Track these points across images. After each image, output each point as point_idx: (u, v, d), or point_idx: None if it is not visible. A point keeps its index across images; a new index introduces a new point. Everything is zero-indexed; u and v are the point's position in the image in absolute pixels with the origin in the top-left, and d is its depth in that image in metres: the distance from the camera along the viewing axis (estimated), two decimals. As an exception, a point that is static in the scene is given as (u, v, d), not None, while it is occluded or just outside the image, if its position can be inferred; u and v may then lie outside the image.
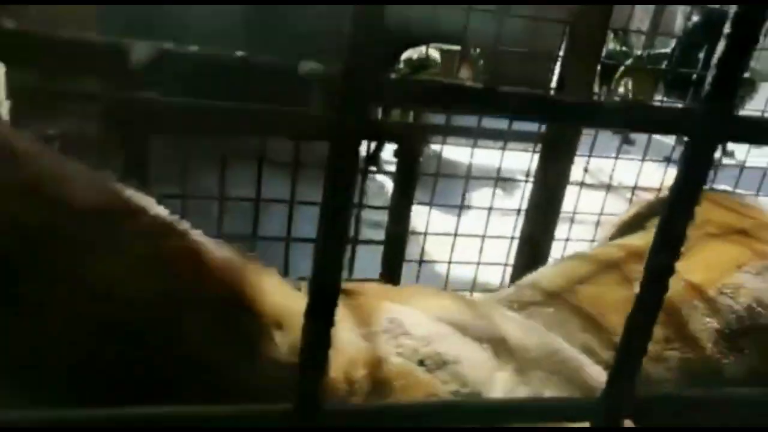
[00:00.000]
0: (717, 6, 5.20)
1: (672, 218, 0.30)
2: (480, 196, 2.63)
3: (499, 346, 0.79)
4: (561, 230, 2.38)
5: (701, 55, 4.93)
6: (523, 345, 0.82)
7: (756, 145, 0.33)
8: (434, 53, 4.67)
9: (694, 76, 3.97)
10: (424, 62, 4.65)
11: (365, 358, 0.71)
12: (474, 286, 2.52)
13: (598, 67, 2.26)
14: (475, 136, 2.36)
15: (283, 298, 0.73)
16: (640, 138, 5.56)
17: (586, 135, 2.47)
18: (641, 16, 10.64)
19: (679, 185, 0.30)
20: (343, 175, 0.26)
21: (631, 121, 0.31)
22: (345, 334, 0.73)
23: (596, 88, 8.11)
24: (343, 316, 0.75)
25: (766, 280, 1.13)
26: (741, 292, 1.10)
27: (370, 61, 0.22)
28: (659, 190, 1.83)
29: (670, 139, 5.93)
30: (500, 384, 0.75)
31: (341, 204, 0.27)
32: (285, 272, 2.13)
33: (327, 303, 0.28)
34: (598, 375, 0.86)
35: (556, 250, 2.40)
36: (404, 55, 4.99)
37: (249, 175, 2.02)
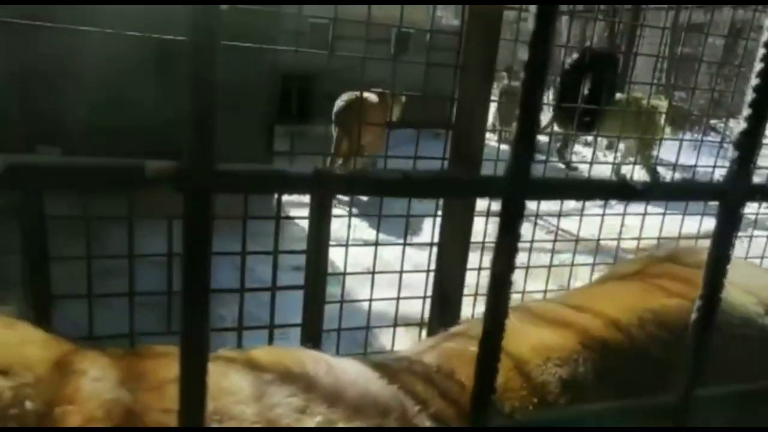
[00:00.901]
0: (589, 45, 5.76)
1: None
2: (395, 231, 2.71)
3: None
4: (473, 259, 2.48)
5: (584, 88, 5.42)
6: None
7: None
8: (371, 95, 5.68)
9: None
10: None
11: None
12: (396, 319, 2.57)
13: (493, 107, 2.41)
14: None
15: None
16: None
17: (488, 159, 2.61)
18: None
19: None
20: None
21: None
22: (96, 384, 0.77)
23: (497, 125, 8.57)
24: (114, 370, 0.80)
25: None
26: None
27: (206, 155, 0.25)
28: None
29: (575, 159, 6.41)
30: None
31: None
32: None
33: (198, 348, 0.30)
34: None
35: (470, 279, 2.50)
36: (344, 96, 6.29)
37: (157, 230, 2.00)
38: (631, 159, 6.94)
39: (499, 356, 0.33)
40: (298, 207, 3.95)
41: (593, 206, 3.41)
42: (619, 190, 0.31)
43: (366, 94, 5.91)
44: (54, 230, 1.91)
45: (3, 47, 4.01)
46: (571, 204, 3.29)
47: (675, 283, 1.27)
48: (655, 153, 6.00)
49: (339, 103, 6.44)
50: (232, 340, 2.18)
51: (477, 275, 2.68)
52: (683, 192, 0.33)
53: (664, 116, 4.84)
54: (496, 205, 3.21)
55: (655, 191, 0.31)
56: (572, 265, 2.94)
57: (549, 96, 8.94)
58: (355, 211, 2.47)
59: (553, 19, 0.28)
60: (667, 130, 5.95)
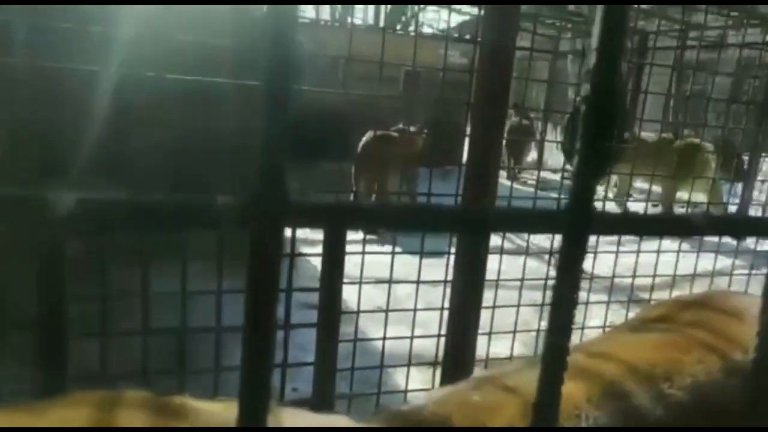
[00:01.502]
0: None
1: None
2: (408, 269, 2.70)
3: None
4: (488, 296, 2.46)
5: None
6: None
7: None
8: (393, 133, 6.36)
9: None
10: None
11: None
12: (410, 359, 2.54)
13: (504, 142, 2.43)
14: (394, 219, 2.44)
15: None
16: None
17: (501, 198, 2.61)
18: (537, 90, 11.50)
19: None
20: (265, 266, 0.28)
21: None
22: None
23: (505, 161, 8.62)
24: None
25: None
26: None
27: (279, 187, 0.25)
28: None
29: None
30: None
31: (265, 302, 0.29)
32: (216, 363, 2.07)
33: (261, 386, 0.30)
34: None
35: (485, 316, 2.48)
36: (369, 134, 6.62)
37: (173, 269, 2.00)
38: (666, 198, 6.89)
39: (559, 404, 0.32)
40: (310, 244, 3.95)
41: (606, 243, 3.39)
42: (678, 225, 0.31)
43: (390, 132, 6.52)
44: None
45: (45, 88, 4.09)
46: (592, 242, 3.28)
47: (710, 334, 1.21)
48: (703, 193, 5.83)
49: (364, 140, 6.67)
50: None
51: (491, 313, 2.65)
52: (749, 227, 0.32)
53: (710, 155, 4.76)
54: (509, 243, 3.19)
55: (715, 226, 0.30)
56: (587, 303, 2.91)
57: (557, 135, 8.99)
58: (368, 248, 2.46)
59: (622, 45, 0.28)
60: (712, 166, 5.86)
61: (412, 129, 6.93)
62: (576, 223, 0.29)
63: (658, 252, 3.01)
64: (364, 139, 6.65)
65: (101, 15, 2.13)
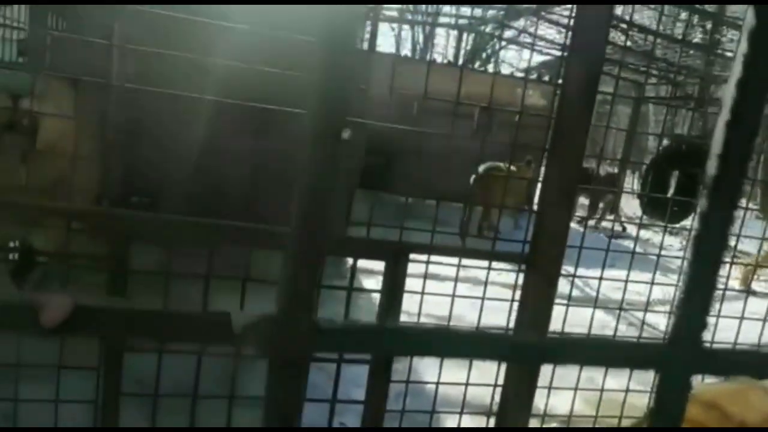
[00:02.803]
0: (685, 135, 5.57)
1: None
2: (467, 312, 2.61)
3: None
4: (549, 349, 2.34)
5: (673, 179, 5.19)
6: None
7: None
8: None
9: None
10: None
11: None
12: (463, 406, 2.44)
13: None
14: (459, 254, 2.38)
15: None
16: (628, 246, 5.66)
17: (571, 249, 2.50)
18: (613, 142, 11.19)
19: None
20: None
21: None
22: None
23: (580, 211, 8.33)
24: None
25: None
26: None
27: (303, 308, 0.22)
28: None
29: (653, 250, 6.03)
30: None
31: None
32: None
33: None
34: None
35: (546, 370, 2.35)
36: (488, 164, 7.09)
37: (232, 289, 2.01)
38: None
39: None
40: (369, 274, 3.92)
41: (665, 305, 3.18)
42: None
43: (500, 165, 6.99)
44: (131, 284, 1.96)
45: (114, 105, 4.32)
46: (663, 295, 3.08)
47: None
48: None
49: (482, 168, 7.11)
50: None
51: (553, 367, 2.52)
52: None
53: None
54: (577, 291, 3.06)
55: None
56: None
57: (634, 182, 8.69)
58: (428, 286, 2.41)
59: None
60: None
61: (520, 164, 7.23)
62: (679, 360, 0.24)
63: (717, 317, 2.79)
64: (481, 170, 6.80)
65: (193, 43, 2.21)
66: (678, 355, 0.24)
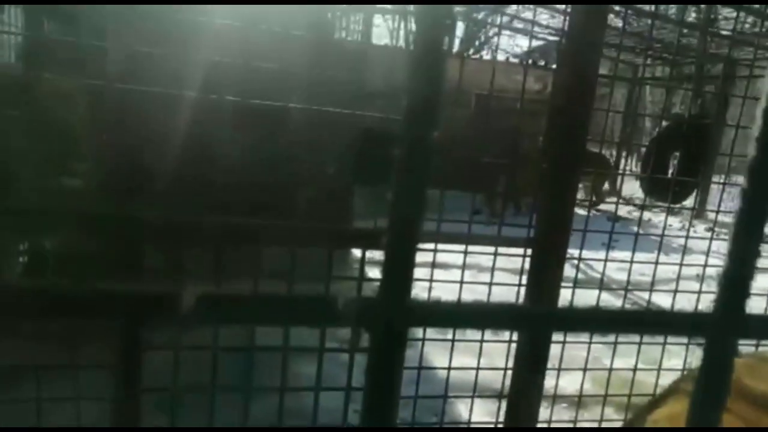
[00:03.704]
0: (683, 114, 5.59)
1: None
2: (477, 297, 2.64)
3: None
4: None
5: (673, 159, 5.21)
6: None
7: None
8: None
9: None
10: None
11: None
12: (475, 390, 2.48)
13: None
14: (466, 241, 2.42)
15: None
16: (628, 227, 5.68)
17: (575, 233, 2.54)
18: (610, 123, 11.20)
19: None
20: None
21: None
22: None
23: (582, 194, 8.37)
24: None
25: None
26: None
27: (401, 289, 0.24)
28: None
29: (653, 231, 6.06)
30: None
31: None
32: (282, 382, 2.09)
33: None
34: None
35: (555, 351, 2.39)
36: None
37: (247, 286, 2.05)
38: None
39: None
40: (377, 265, 3.96)
41: (689, 279, 3.22)
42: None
43: None
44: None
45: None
46: (665, 274, 3.11)
47: None
48: None
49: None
50: (308, 399, 2.17)
51: (561, 348, 2.56)
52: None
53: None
54: (582, 275, 3.09)
55: None
56: (664, 343, 2.76)
57: (632, 163, 8.71)
58: (436, 275, 2.44)
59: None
60: None
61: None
62: (724, 328, 0.27)
63: None
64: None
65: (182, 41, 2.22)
66: (724, 321, 0.26)
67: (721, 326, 0.27)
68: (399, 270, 0.25)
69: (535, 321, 0.31)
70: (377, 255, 2.84)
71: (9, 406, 2.07)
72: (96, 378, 2.12)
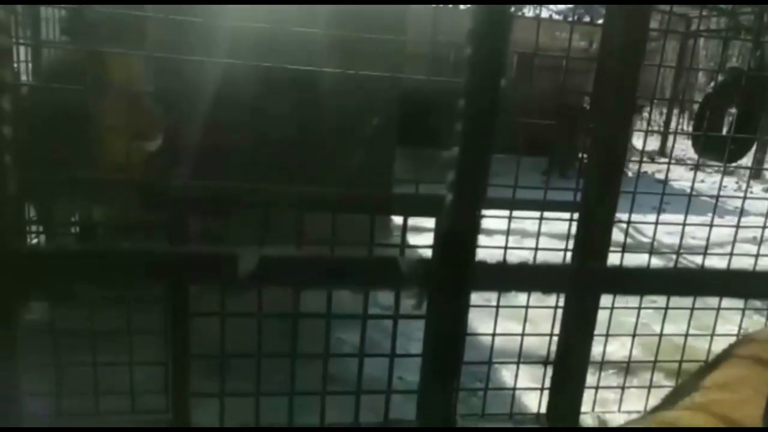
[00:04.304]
0: (741, 67, 5.29)
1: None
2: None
3: None
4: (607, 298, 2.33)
5: (730, 117, 4.95)
6: None
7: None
8: None
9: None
10: None
11: None
12: (520, 356, 2.46)
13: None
14: (510, 207, 2.36)
15: None
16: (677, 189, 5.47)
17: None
18: (660, 79, 10.74)
19: None
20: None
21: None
22: None
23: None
24: None
25: None
26: None
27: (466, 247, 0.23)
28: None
29: (706, 191, 5.83)
30: None
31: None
32: (326, 349, 2.11)
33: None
34: None
35: (602, 317, 2.34)
36: None
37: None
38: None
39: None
40: (418, 232, 3.94)
41: (745, 242, 3.09)
42: None
43: None
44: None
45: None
46: (720, 238, 2.98)
47: None
48: None
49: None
50: (352, 365, 2.18)
51: (609, 314, 2.51)
52: None
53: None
54: (630, 240, 3.02)
55: None
56: (718, 309, 2.67)
57: (684, 122, 8.35)
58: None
59: None
60: None
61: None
62: None
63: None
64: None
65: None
66: None
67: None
68: (463, 232, 0.23)
69: (597, 280, 0.29)
70: (419, 222, 2.83)
71: (67, 369, 2.17)
72: (148, 343, 2.19)
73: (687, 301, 2.56)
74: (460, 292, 0.23)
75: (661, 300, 2.71)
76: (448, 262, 0.22)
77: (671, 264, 2.92)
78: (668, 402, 1.21)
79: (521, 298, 2.47)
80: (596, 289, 1.80)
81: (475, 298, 2.41)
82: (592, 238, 2.13)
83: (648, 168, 8.74)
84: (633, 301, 2.63)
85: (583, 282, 0.29)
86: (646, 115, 9.88)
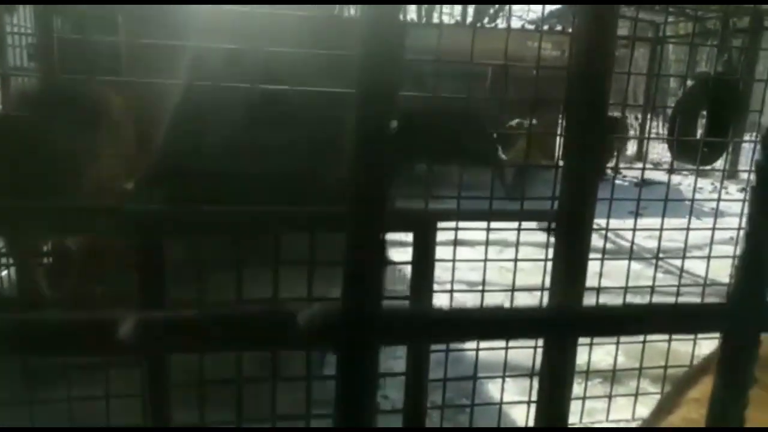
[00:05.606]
0: (709, 71, 5.39)
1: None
2: (502, 274, 2.59)
3: None
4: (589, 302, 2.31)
5: (701, 119, 5.03)
6: None
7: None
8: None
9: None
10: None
11: None
12: (505, 370, 2.43)
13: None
14: (488, 218, 2.35)
15: None
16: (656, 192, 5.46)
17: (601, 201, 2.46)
18: (633, 85, 10.90)
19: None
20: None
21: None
22: None
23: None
24: None
25: None
26: None
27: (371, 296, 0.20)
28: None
29: (681, 195, 5.85)
30: None
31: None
32: (307, 372, 2.06)
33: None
34: None
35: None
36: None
37: (266, 275, 2.01)
38: None
39: None
40: (399, 246, 3.91)
41: (723, 243, 3.11)
42: None
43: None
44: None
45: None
46: (697, 240, 3.00)
47: None
48: None
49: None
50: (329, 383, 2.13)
51: (592, 322, 2.50)
52: None
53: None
54: (610, 244, 3.02)
55: None
56: (700, 311, 2.67)
57: (659, 126, 8.46)
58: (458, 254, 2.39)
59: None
60: None
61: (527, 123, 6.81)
62: (745, 320, 0.22)
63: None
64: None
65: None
66: (744, 314, 0.22)
67: (741, 319, 0.22)
68: (363, 271, 0.20)
69: (523, 328, 0.26)
70: (405, 237, 2.80)
71: (41, 406, 2.09)
72: (125, 376, 2.12)
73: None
74: (364, 348, 0.20)
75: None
76: (348, 313, 0.19)
77: (652, 268, 2.91)
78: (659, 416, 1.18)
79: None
80: (562, 336, 1.78)
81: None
82: (571, 246, 2.12)
83: (627, 172, 8.82)
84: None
85: (557, 326, 0.26)
86: (632, 122, 10.03)
